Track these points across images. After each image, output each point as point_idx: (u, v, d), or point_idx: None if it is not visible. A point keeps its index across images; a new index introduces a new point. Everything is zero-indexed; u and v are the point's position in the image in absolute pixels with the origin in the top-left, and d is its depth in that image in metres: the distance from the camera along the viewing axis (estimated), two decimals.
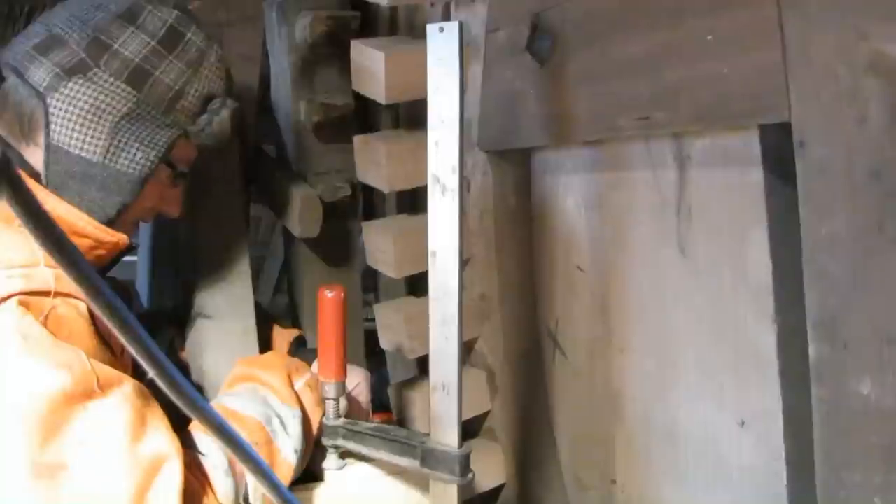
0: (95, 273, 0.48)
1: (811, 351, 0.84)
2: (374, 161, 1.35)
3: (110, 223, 1.06)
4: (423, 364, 1.50)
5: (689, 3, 0.93)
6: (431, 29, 0.96)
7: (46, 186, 1.04)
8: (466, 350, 1.50)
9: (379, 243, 1.39)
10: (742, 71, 0.88)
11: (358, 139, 1.40)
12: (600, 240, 1.28)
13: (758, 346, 1.02)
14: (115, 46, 1.05)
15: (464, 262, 1.06)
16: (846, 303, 0.81)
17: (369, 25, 1.62)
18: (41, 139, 1.04)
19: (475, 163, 1.38)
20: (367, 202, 1.82)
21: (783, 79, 0.82)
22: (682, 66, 0.95)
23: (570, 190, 1.33)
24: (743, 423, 1.07)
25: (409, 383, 1.44)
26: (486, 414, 1.50)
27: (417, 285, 1.57)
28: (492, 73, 1.31)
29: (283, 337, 1.46)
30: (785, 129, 0.84)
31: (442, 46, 0.96)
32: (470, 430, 1.49)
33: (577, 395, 1.41)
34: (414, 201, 1.52)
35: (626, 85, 1.04)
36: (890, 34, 0.72)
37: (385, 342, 1.44)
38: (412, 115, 1.50)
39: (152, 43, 1.07)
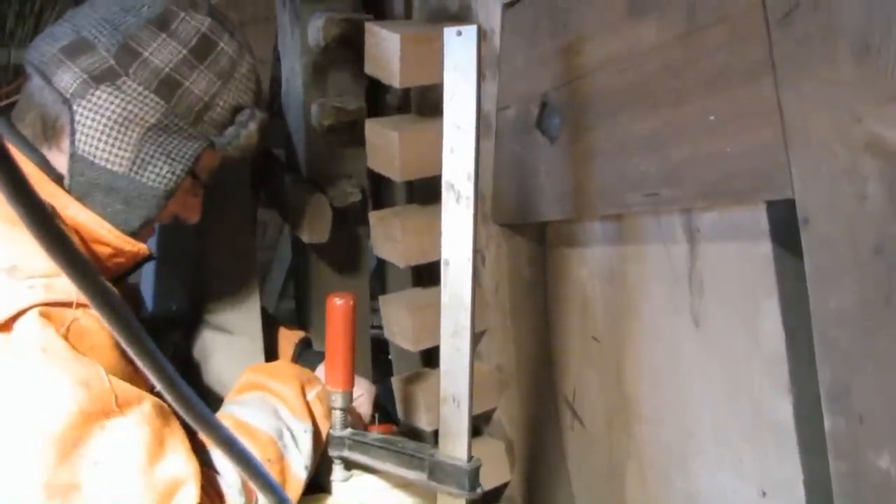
0: (102, 279, 0.46)
1: (827, 423, 0.84)
2: (390, 236, 1.38)
3: (133, 234, 1.04)
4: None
5: (690, 85, 0.96)
6: (449, 33, 0.95)
7: (70, 193, 1.01)
8: (485, 420, 1.50)
9: (395, 317, 1.41)
10: (744, 149, 0.90)
11: (373, 215, 1.43)
12: (615, 311, 1.29)
13: (775, 416, 1.02)
14: (146, 54, 1.01)
15: (479, 333, 1.06)
16: (858, 375, 0.81)
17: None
18: (65, 146, 1.02)
19: (489, 236, 1.41)
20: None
21: (784, 157, 0.85)
22: (686, 144, 0.98)
23: (583, 262, 1.35)
24: (764, 494, 1.06)
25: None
26: (505, 484, 1.49)
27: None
28: (503, 149, 1.35)
29: (288, 340, 1.44)
30: (791, 203, 0.86)
31: (459, 51, 0.95)
32: (490, 500, 1.48)
33: (596, 464, 1.40)
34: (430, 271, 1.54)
35: (634, 162, 1.06)
36: (882, 117, 0.74)
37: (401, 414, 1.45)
38: (426, 190, 1.54)
39: (184, 52, 1.03)
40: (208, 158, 1.10)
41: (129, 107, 1.01)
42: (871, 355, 0.80)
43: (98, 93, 1.00)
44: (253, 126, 1.09)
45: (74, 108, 1.00)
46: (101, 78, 1.00)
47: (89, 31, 1.02)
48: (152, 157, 1.03)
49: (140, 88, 1.01)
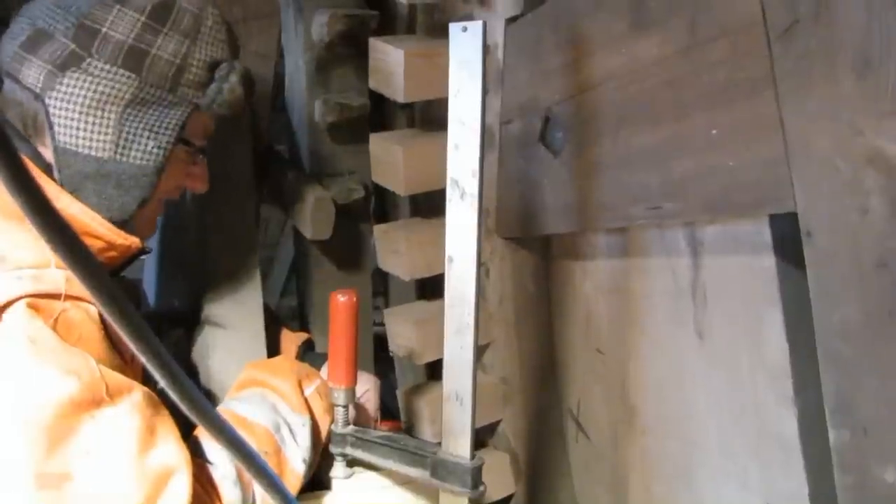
0: (105, 271, 0.46)
1: (831, 436, 0.85)
2: (395, 250, 1.39)
3: (132, 217, 1.02)
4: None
5: (692, 99, 0.97)
6: (454, 29, 0.94)
7: (62, 188, 0.99)
8: (490, 432, 1.50)
9: (400, 330, 1.41)
10: (747, 163, 0.91)
11: (378, 228, 1.44)
12: (619, 323, 1.29)
13: (780, 429, 1.02)
14: (104, 30, 0.98)
15: (483, 346, 1.05)
16: (862, 388, 0.82)
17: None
18: (48, 141, 0.99)
19: (493, 249, 1.41)
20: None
21: (786, 171, 0.85)
22: (689, 158, 0.98)
23: (587, 274, 1.35)
24: None
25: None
26: (510, 496, 1.49)
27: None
28: (507, 163, 1.36)
29: (291, 341, 1.44)
30: (793, 217, 0.86)
31: (465, 47, 0.94)
32: None
33: (600, 476, 1.40)
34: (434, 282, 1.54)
35: (637, 176, 1.07)
36: (883, 131, 0.75)
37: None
38: (430, 203, 1.55)
39: (142, 19, 0.99)
40: (196, 122, 1.07)
41: (101, 87, 0.97)
42: (875, 368, 0.80)
43: (66, 80, 0.97)
44: (234, 79, 1.05)
45: (47, 101, 0.97)
46: (65, 65, 0.97)
47: (44, 21, 0.99)
48: (135, 134, 0.99)
49: (107, 66, 0.98)
